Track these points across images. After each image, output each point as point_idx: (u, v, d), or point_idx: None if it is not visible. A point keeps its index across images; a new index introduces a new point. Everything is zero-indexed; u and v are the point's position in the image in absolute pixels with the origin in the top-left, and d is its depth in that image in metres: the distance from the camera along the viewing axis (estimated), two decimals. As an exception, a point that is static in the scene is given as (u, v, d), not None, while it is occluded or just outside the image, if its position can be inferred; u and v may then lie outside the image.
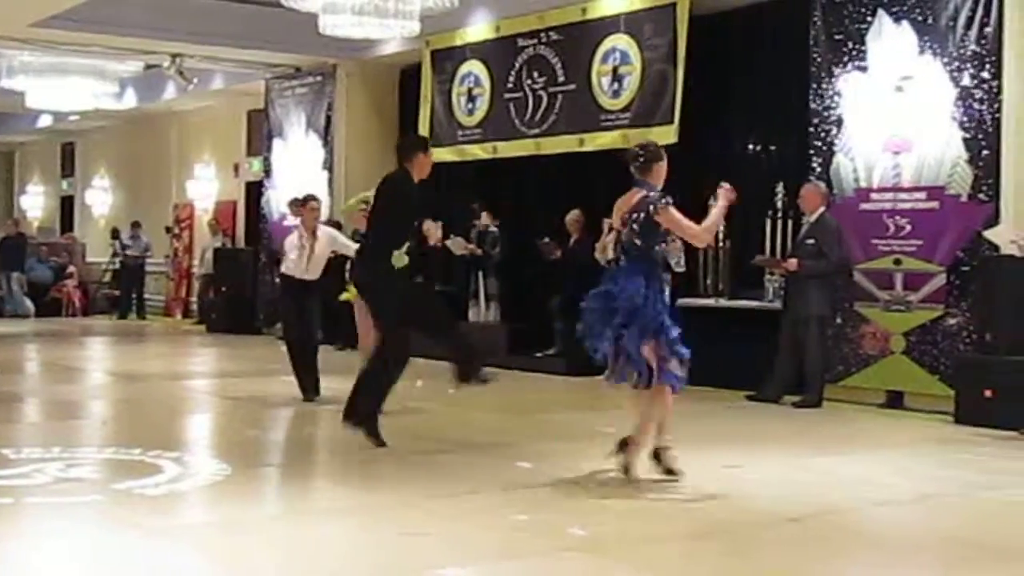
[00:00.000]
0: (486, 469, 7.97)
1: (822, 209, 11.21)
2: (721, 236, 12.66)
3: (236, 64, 19.05)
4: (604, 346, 7.51)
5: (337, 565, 5.64)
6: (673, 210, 7.45)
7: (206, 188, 23.21)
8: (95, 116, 24.25)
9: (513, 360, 14.12)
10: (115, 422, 10.44)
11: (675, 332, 7.40)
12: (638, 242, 7.44)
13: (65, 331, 20.35)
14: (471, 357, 8.97)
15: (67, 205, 29.51)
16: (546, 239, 13.96)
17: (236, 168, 22.66)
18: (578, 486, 7.49)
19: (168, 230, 23.94)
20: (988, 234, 10.09)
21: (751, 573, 5.64)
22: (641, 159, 7.65)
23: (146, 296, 23.56)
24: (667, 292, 7.75)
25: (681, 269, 12.05)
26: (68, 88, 20.19)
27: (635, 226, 7.43)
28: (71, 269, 24.47)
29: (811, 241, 11.18)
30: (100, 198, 27.60)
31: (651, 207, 7.41)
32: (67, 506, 6.64)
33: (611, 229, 7.96)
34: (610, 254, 8.15)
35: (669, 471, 7.49)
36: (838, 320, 11.49)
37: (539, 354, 14.27)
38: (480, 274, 15.42)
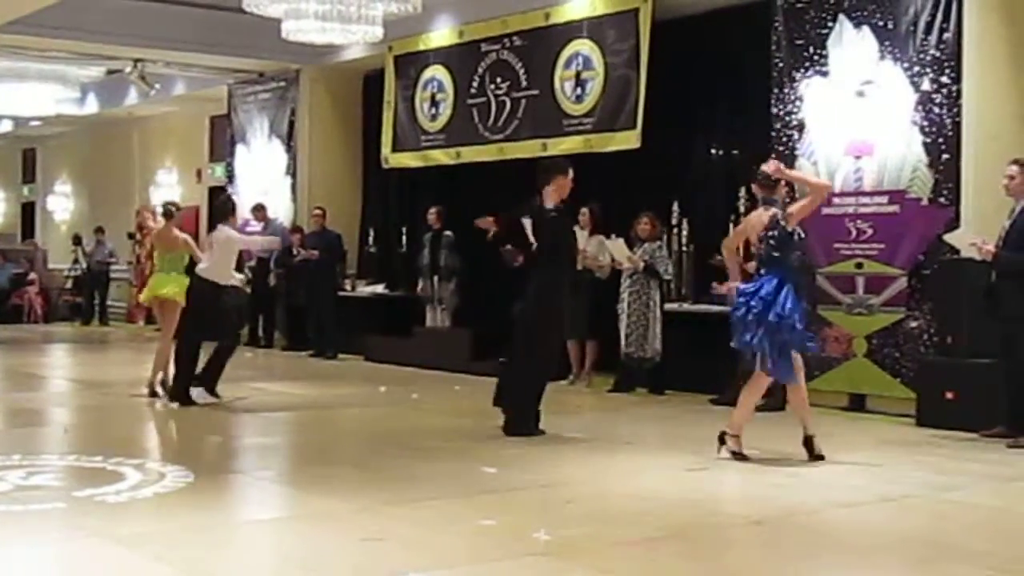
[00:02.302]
0: (450, 474, 7.97)
1: None
2: (684, 241, 12.74)
3: (198, 69, 18.99)
4: (746, 340, 8.39)
5: (300, 572, 5.62)
6: (791, 208, 8.53)
7: (168, 194, 23.08)
8: (57, 121, 24.12)
9: (477, 365, 14.13)
10: (77, 429, 10.36)
11: (800, 330, 8.35)
12: (776, 254, 8.37)
13: (26, 338, 20.21)
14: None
15: (28, 211, 29.32)
16: (508, 246, 13.88)
17: (199, 174, 22.58)
18: (543, 490, 7.51)
19: (131, 236, 23.80)
20: (948, 238, 10.16)
21: (715, 575, 5.66)
22: (769, 181, 8.58)
23: (109, 302, 23.42)
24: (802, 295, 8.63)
25: (669, 277, 12.12)
26: (29, 93, 20.08)
27: (772, 241, 8.38)
28: (32, 275, 24.28)
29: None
30: (62, 204, 27.44)
31: (782, 223, 8.39)
32: (28, 514, 6.59)
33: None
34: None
35: (819, 456, 8.42)
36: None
37: (504, 359, 14.22)
38: (435, 279, 15.43)
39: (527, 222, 9.53)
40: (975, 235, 9.64)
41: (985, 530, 6.66)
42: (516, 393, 9.54)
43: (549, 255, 9.52)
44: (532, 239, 9.55)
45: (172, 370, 11.54)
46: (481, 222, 13.65)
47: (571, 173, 9.79)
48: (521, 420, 9.42)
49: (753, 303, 8.27)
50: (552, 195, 9.64)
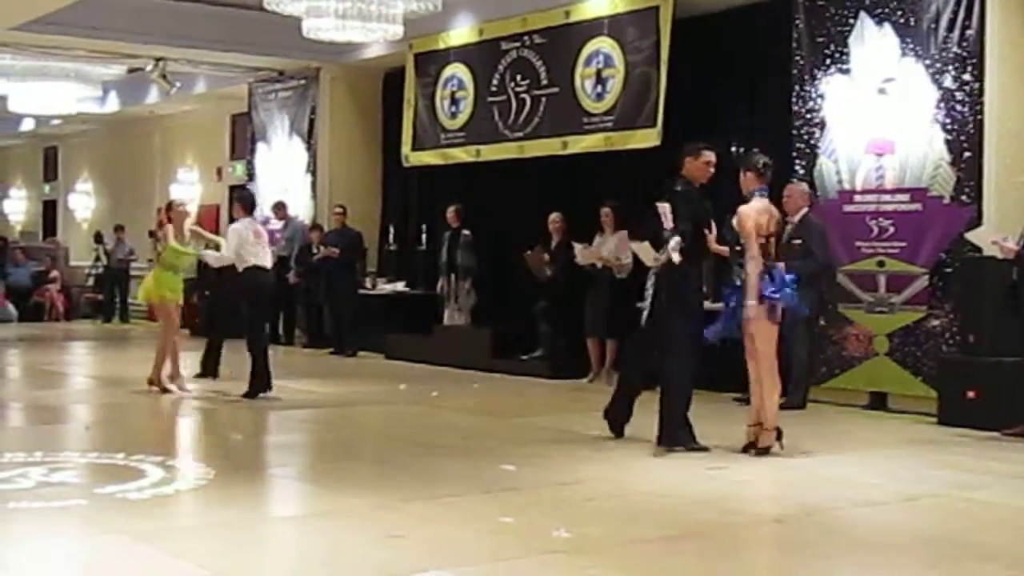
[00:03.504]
0: (470, 472, 7.97)
1: (805, 209, 11.22)
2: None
3: (219, 68, 19.02)
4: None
5: (321, 568, 5.63)
6: None
7: (189, 192, 23.14)
8: (78, 120, 24.19)
9: (497, 363, 14.15)
10: (98, 426, 10.41)
11: None
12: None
13: (48, 335, 20.29)
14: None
15: (50, 209, 29.42)
16: (543, 253, 13.86)
17: (219, 172, 22.63)
18: (562, 488, 7.51)
19: (151, 234, 23.84)
20: (970, 236, 10.12)
21: (735, 574, 5.65)
22: (766, 169, 8.74)
23: (130, 300, 23.48)
24: None
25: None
26: (51, 92, 20.13)
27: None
28: (54, 273, 24.37)
29: (798, 241, 11.18)
30: (83, 202, 27.51)
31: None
32: (50, 511, 6.62)
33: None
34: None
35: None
36: (822, 322, 11.50)
37: (524, 357, 14.27)
38: (453, 277, 15.45)
39: (664, 207, 8.84)
40: (997, 233, 9.60)
41: (1006, 529, 6.63)
42: (666, 401, 8.83)
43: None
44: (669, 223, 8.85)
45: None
46: (533, 260, 13.66)
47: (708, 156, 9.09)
48: (674, 429, 8.76)
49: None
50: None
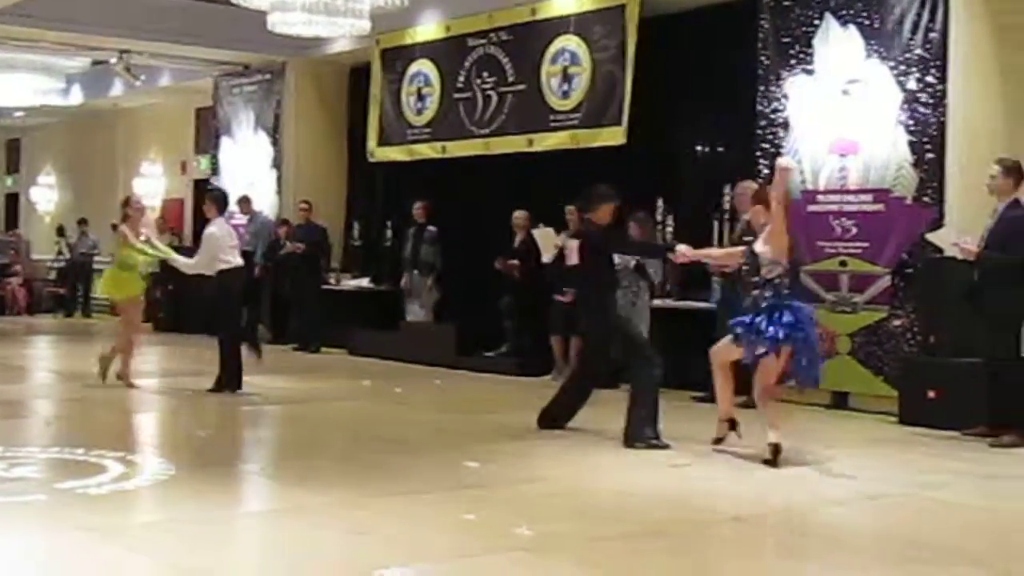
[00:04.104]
0: (434, 469, 7.97)
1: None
2: (670, 238, 12.72)
3: (184, 61, 18.93)
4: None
5: (283, 565, 5.62)
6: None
7: (153, 186, 23.03)
8: (41, 112, 24.04)
9: (462, 360, 14.15)
10: (59, 421, 10.35)
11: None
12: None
13: (9, 329, 20.15)
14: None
15: (12, 202, 29.20)
16: (509, 260, 13.87)
17: (184, 166, 22.53)
18: (525, 485, 7.53)
19: (115, 228, 23.71)
20: (931, 236, 10.19)
21: (696, 571, 5.68)
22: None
23: (92, 294, 23.35)
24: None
25: (657, 279, 12.10)
26: (14, 84, 20.00)
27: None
28: (16, 267, 24.20)
29: (750, 238, 11.19)
30: (46, 195, 27.31)
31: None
32: (9, 506, 6.58)
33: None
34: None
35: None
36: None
37: (488, 354, 14.27)
38: (416, 273, 15.44)
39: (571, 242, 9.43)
40: (958, 234, 9.67)
41: (967, 528, 6.69)
42: (636, 401, 9.03)
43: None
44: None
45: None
46: (502, 265, 13.72)
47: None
48: (641, 427, 8.92)
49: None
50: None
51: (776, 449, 8.15)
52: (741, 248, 9.11)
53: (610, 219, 9.47)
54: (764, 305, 8.25)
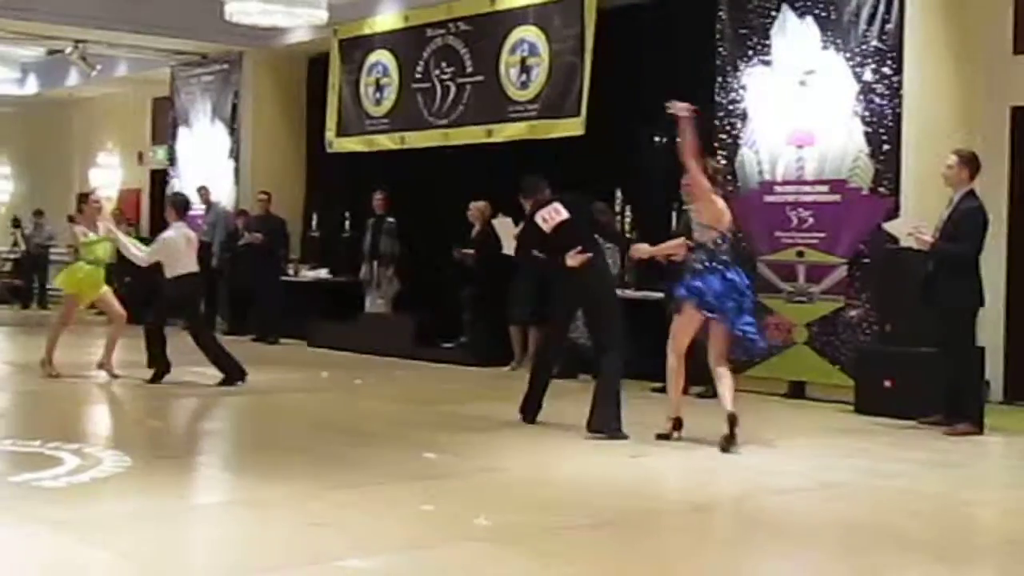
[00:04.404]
0: (392, 460, 7.97)
1: None
2: (628, 228, 12.76)
3: (141, 51, 18.80)
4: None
5: (240, 557, 5.60)
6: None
7: (110, 176, 22.88)
8: (-5, 102, 23.83)
9: (420, 351, 14.14)
10: (14, 414, 10.28)
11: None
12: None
13: (-36, 321, 19.97)
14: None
15: (-34, 193, 28.94)
16: (464, 250, 13.85)
17: (140, 156, 22.40)
18: (484, 475, 7.54)
19: (71, 219, 23.53)
20: (887, 226, 10.26)
21: (652, 561, 5.69)
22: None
23: (48, 286, 23.17)
24: None
25: (615, 270, 12.13)
26: (-32, 74, 19.82)
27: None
28: (-30, 258, 24.00)
29: None
30: (1, 186, 27.08)
31: None
32: (-37, 499, 6.53)
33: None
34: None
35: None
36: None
37: (447, 345, 14.27)
38: (376, 264, 15.42)
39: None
40: (913, 224, 9.72)
41: (923, 516, 6.73)
42: (606, 391, 9.03)
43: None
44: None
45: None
46: (461, 256, 13.68)
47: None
48: (609, 418, 8.92)
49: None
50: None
51: (732, 419, 8.34)
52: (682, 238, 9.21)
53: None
54: (698, 267, 8.48)
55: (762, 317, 11.40)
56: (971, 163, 9.47)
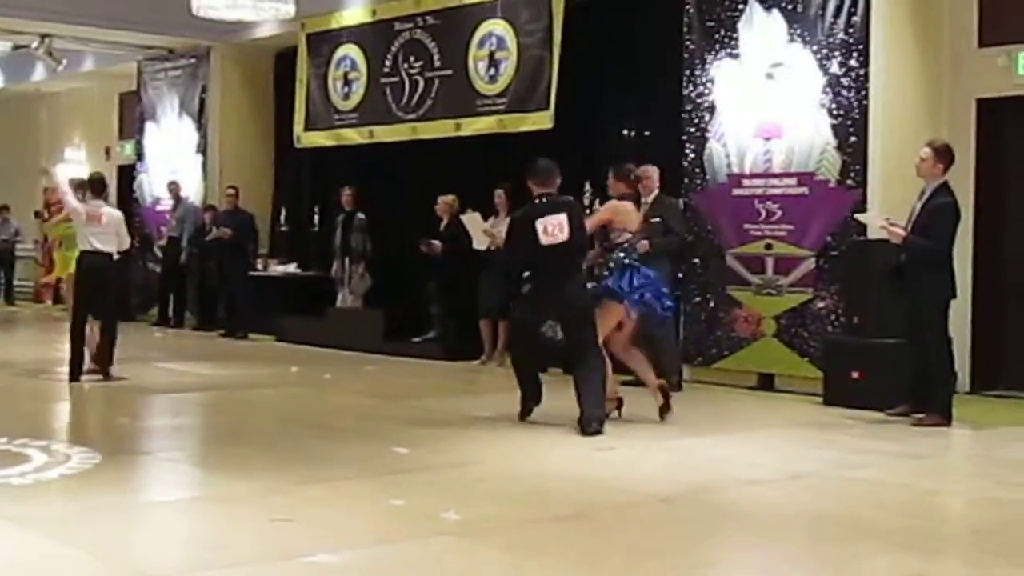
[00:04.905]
0: (361, 455, 7.95)
1: (657, 190, 11.35)
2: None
3: (107, 45, 18.73)
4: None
5: (207, 553, 5.59)
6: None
7: (77, 171, 22.71)
8: (-39, 97, 23.66)
9: (389, 346, 14.11)
10: (-19, 410, 10.21)
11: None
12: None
13: (-70, 318, 19.84)
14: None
15: (-68, 188, 28.72)
16: (431, 240, 13.80)
17: (108, 151, 22.28)
18: (453, 470, 7.53)
19: (38, 215, 23.43)
20: (860, 216, 10.28)
21: (621, 553, 5.70)
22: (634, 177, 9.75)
23: (15, 282, 23.04)
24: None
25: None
26: (-68, 68, 19.67)
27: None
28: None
29: (657, 219, 11.31)
30: (-34, 182, 26.91)
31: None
32: (-71, 497, 6.49)
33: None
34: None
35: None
36: (711, 304, 11.67)
37: (416, 339, 14.25)
38: (347, 260, 15.39)
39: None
40: (884, 217, 9.68)
41: (891, 507, 6.77)
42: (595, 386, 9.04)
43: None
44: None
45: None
46: (426, 247, 13.61)
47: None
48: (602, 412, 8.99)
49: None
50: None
51: (663, 389, 9.26)
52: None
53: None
54: (612, 266, 9.18)
55: (729, 311, 11.50)
56: (945, 155, 9.37)
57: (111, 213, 11.57)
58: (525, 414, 9.26)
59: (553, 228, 8.98)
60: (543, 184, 9.24)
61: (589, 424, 8.70)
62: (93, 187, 11.66)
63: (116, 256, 11.41)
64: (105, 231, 11.30)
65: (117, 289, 11.90)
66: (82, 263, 11.27)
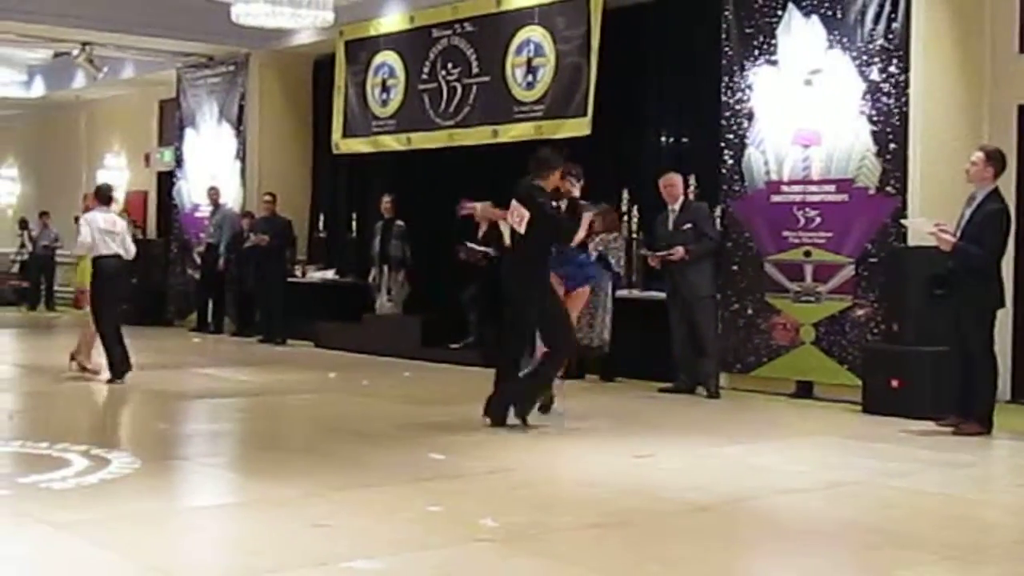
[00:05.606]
0: (399, 461, 7.96)
1: (682, 197, 11.49)
2: (634, 229, 12.75)
3: (147, 53, 18.82)
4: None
5: (247, 559, 5.60)
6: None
7: (116, 178, 22.88)
8: (2, 104, 23.86)
9: (427, 352, 14.13)
10: (22, 415, 10.27)
11: None
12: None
13: (-29, 323, 20.00)
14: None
15: (-27, 195, 28.99)
16: (470, 245, 13.78)
17: (147, 158, 22.41)
18: (490, 477, 7.52)
19: (78, 220, 23.57)
20: (907, 221, 10.20)
21: (660, 561, 5.69)
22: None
23: (55, 288, 23.21)
24: None
25: (619, 270, 12.15)
26: (-25, 76, 19.85)
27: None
28: (-23, 260, 24.03)
29: (688, 226, 11.34)
30: (7, 188, 27.15)
31: None
32: (-29, 501, 6.54)
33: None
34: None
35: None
36: (749, 311, 11.63)
37: (453, 346, 14.26)
38: (386, 268, 15.41)
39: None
40: (933, 223, 9.47)
41: (931, 517, 6.72)
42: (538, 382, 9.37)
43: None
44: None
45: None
46: (468, 255, 13.63)
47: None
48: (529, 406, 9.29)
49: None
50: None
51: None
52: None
53: (555, 185, 9.40)
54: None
55: (767, 318, 11.46)
56: (996, 160, 9.19)
57: (119, 221, 12.12)
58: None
59: (514, 215, 9.27)
60: (534, 176, 9.41)
61: (514, 406, 9.16)
62: (100, 197, 12.03)
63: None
64: (117, 235, 11.78)
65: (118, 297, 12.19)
66: (99, 265, 11.60)
